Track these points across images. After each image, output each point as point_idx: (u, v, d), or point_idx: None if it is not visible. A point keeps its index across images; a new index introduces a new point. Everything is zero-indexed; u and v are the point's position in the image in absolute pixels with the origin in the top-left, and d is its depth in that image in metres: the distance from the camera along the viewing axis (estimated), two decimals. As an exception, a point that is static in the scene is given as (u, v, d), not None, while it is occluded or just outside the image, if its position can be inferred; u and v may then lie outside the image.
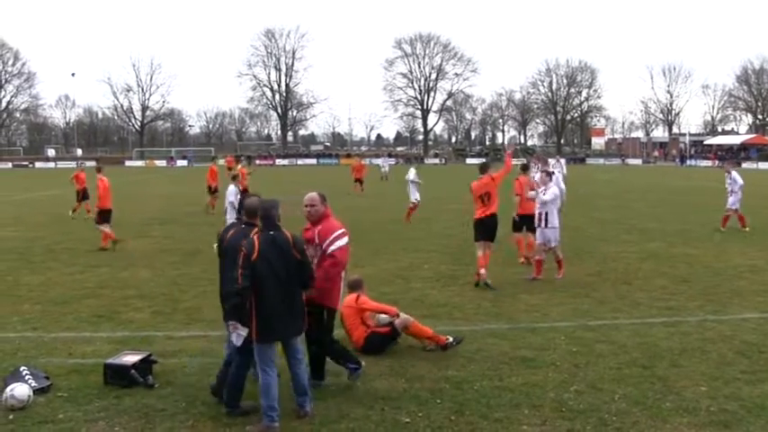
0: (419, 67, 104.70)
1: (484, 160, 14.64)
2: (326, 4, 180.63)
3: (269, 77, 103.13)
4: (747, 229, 17.45)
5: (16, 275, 12.01)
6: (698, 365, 6.93)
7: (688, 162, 76.49)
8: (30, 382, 6.13)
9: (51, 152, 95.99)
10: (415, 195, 20.52)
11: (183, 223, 20.26)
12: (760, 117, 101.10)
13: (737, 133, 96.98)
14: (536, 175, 12.57)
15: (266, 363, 5.47)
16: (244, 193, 15.80)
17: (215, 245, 6.37)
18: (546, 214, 11.27)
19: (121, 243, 15.16)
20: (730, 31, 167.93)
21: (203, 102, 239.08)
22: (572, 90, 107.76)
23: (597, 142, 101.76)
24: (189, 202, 27.41)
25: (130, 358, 6.52)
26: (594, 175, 51.33)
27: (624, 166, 75.58)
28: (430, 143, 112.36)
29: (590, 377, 6.59)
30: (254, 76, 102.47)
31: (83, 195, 22.09)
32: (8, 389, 5.89)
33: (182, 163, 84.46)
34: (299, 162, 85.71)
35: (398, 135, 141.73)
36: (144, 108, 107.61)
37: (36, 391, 6.05)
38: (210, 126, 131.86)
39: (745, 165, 67.19)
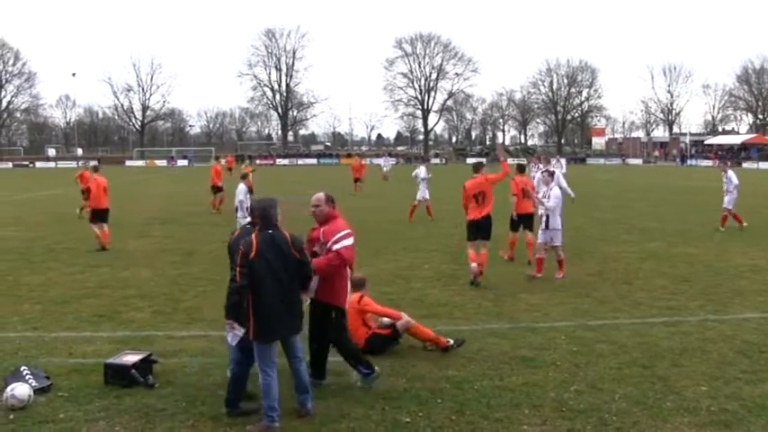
0: (419, 66, 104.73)
1: (477, 159, 14.65)
2: (326, 4, 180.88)
3: (269, 77, 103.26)
4: (746, 224, 17.67)
5: (17, 275, 12.01)
6: (698, 365, 6.93)
7: (688, 162, 76.52)
8: (30, 381, 6.13)
9: (52, 152, 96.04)
10: (423, 194, 20.57)
11: (183, 223, 20.26)
12: (760, 117, 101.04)
13: (738, 133, 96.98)
14: (537, 174, 12.59)
15: (266, 363, 5.47)
16: (250, 192, 15.84)
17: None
18: (548, 216, 11.35)
19: (108, 250, 14.52)
20: (730, 31, 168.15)
21: (204, 101, 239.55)
22: (572, 90, 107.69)
23: (598, 142, 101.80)
24: (189, 201, 27.43)
25: (131, 358, 6.52)
26: (595, 174, 51.31)
27: (625, 166, 75.59)
28: (430, 143, 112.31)
29: (590, 377, 6.59)
30: (255, 76, 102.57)
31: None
32: (9, 388, 5.89)
33: (182, 163, 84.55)
34: (300, 162, 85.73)
35: (399, 135, 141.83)
36: (144, 108, 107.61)
37: (36, 391, 6.05)
38: (211, 126, 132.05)
39: (745, 164, 67.26)
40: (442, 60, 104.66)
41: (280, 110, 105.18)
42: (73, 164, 77.27)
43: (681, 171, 60.05)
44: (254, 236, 5.47)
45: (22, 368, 6.39)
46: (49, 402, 5.98)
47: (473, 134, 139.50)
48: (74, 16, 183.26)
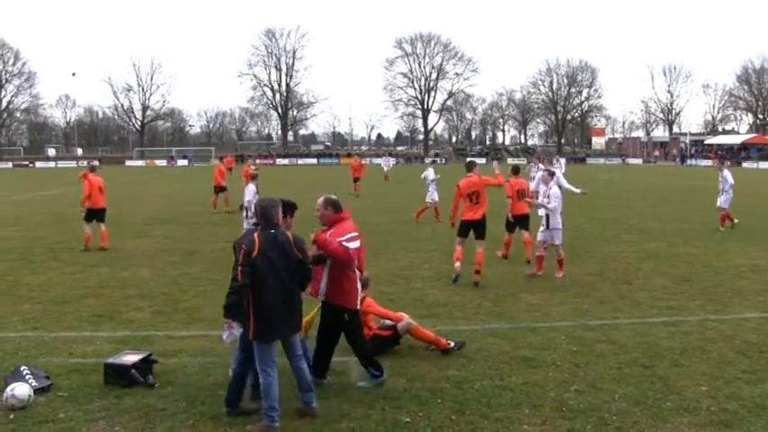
0: (419, 66, 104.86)
1: (469, 159, 14.68)
2: (326, 4, 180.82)
3: (269, 77, 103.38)
4: (737, 221, 17.94)
5: (17, 275, 12.01)
6: (698, 365, 6.93)
7: (688, 162, 76.57)
8: (30, 381, 6.13)
9: (52, 152, 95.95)
10: (432, 196, 20.59)
11: (183, 223, 20.26)
12: (760, 117, 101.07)
13: (738, 133, 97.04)
14: (537, 174, 12.61)
15: (266, 363, 5.47)
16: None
17: None
18: (548, 216, 11.39)
19: (93, 251, 14.36)
20: (730, 31, 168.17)
21: (203, 101, 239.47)
22: (572, 90, 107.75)
23: (597, 142, 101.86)
24: (189, 201, 27.42)
25: (131, 358, 6.53)
26: (595, 174, 51.27)
27: (624, 166, 75.61)
28: (430, 143, 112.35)
29: (590, 377, 6.59)
30: (255, 76, 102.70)
31: None
32: (9, 388, 5.89)
33: (182, 162, 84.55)
34: (300, 162, 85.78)
35: (399, 135, 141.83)
36: (144, 108, 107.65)
37: (36, 391, 6.05)
38: (211, 126, 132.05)
39: (745, 164, 67.30)
40: (442, 60, 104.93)
41: (280, 110, 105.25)
42: (73, 164, 77.40)
43: (681, 171, 60.04)
44: (256, 235, 5.48)
45: (22, 368, 6.39)
46: (48, 402, 5.98)
47: (473, 134, 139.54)
48: (74, 16, 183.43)
